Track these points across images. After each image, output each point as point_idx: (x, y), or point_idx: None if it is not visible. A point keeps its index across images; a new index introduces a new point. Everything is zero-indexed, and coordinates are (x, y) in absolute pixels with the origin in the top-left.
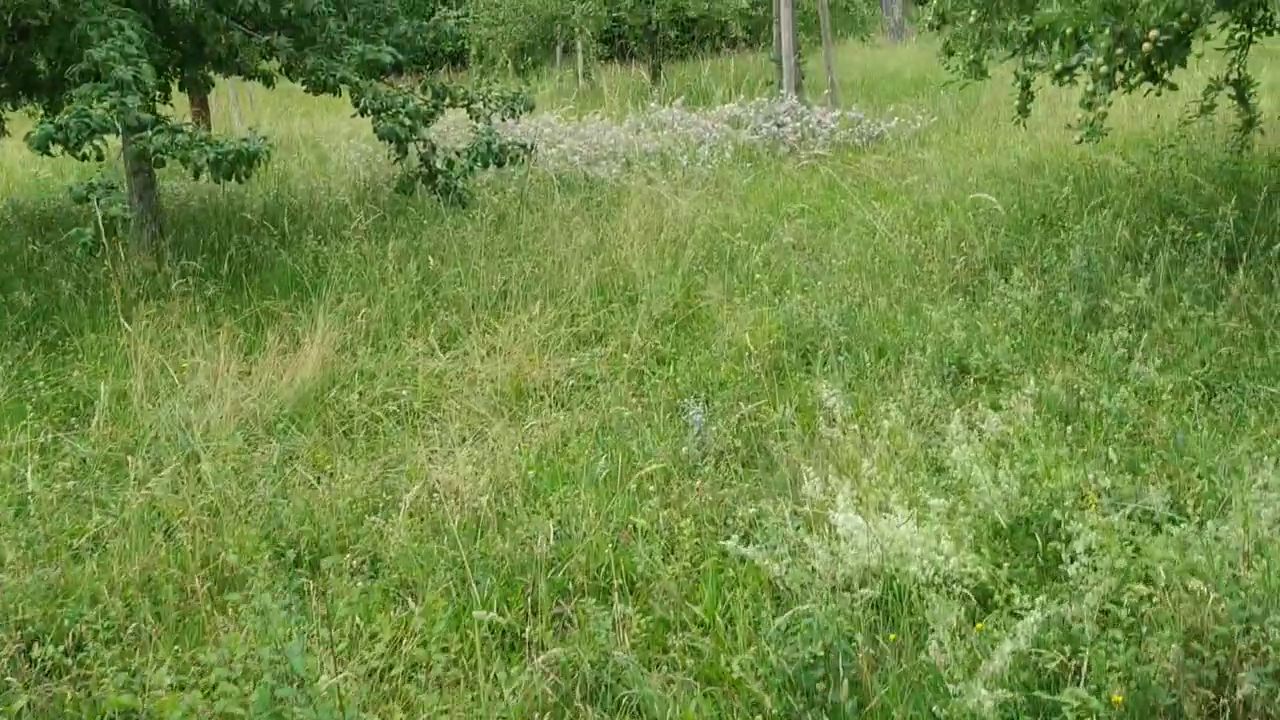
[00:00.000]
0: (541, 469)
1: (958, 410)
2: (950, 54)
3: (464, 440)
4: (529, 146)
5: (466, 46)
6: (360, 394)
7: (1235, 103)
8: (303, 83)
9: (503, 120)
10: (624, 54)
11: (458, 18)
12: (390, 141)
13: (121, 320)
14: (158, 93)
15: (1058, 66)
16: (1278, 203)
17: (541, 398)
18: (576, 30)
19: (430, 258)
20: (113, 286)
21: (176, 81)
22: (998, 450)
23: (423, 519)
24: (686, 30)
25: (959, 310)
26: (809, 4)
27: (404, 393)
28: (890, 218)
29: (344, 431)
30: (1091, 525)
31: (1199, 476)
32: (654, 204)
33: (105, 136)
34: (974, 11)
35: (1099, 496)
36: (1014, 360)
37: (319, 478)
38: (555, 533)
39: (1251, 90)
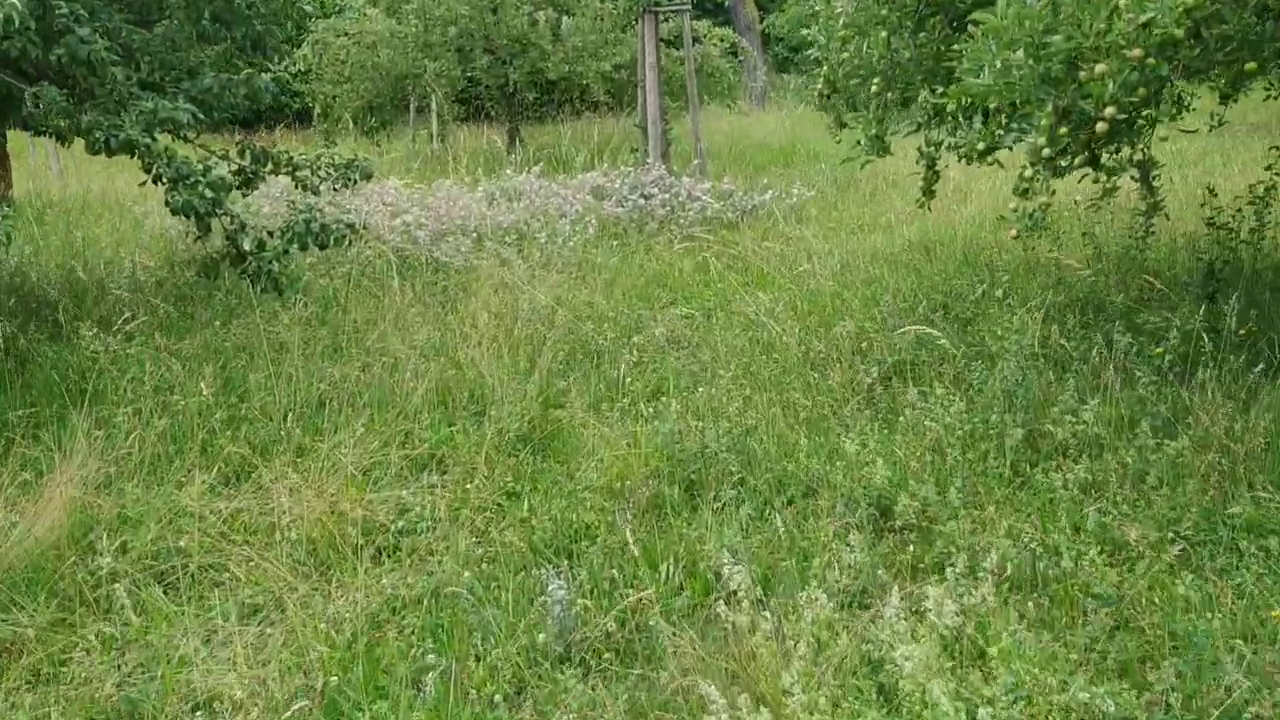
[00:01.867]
0: (349, 666)
1: (895, 585)
2: (842, 126)
3: (255, 613)
4: (356, 225)
5: (311, 104)
6: (121, 549)
7: (1138, 184)
8: (85, 144)
9: (334, 190)
10: (480, 115)
11: (278, 71)
12: (188, 217)
13: None
14: None
15: (980, 146)
16: (1224, 300)
17: (361, 548)
18: (429, 89)
19: (233, 358)
20: None
21: None
22: (954, 646)
23: None
24: (546, 92)
25: (871, 433)
26: (674, 68)
27: (180, 545)
28: (775, 308)
29: (94, 601)
30: None
31: (1215, 683)
32: (507, 289)
33: None
34: (876, 80)
35: None
36: (946, 502)
37: (35, 685)
38: None
39: (1156, 172)
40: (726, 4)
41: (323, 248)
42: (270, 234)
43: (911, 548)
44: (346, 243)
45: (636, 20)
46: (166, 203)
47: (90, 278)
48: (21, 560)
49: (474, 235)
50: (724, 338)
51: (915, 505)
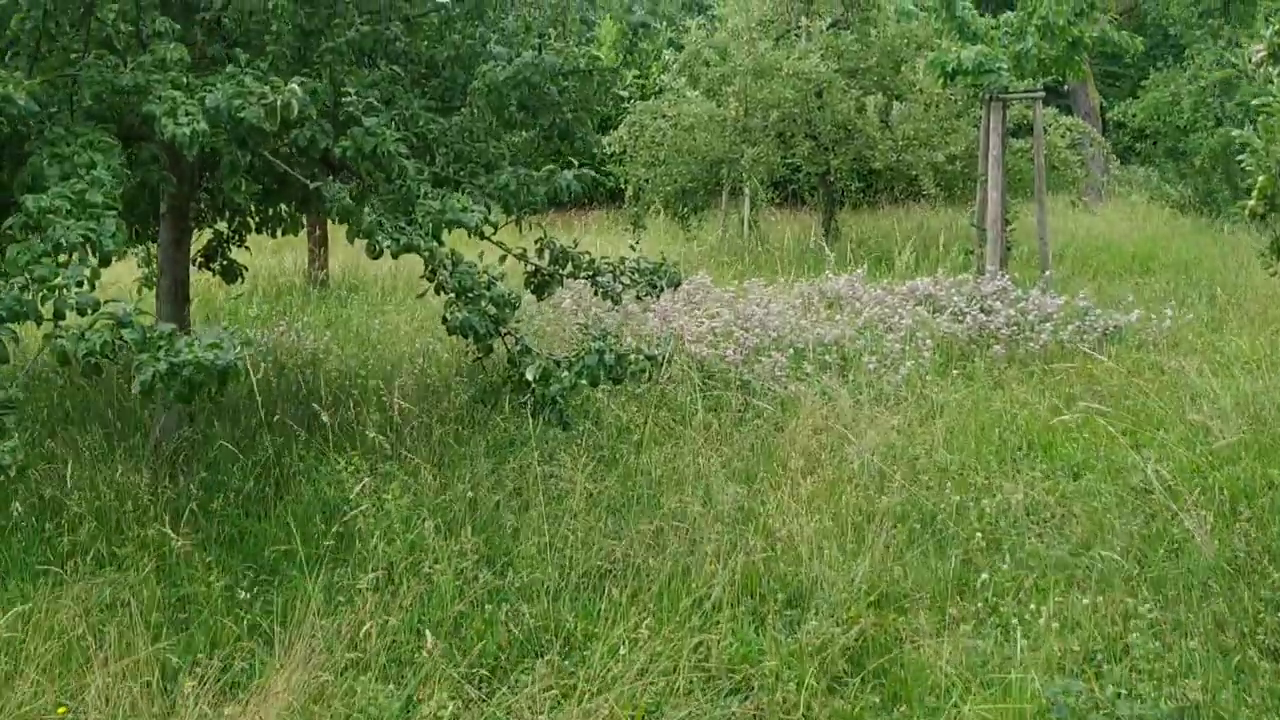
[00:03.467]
0: None
1: None
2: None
3: None
4: (660, 358)
5: (623, 185)
6: None
7: None
8: (365, 246)
9: (638, 298)
10: (793, 200)
11: (579, 166)
12: (465, 336)
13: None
14: (236, 236)
15: None
16: None
17: None
18: (745, 176)
19: (502, 510)
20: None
21: (255, 220)
22: None
23: None
24: (867, 181)
25: None
26: (1012, 160)
27: None
28: (1167, 473)
29: None
30: None
31: None
32: (830, 431)
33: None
34: None
35: None
36: None
37: None
38: None
39: None
40: (1065, 89)
41: (617, 382)
42: (558, 363)
43: None
44: (647, 378)
45: (974, 107)
46: (444, 319)
47: (386, 373)
48: None
49: (789, 350)
50: (1102, 513)
51: None
